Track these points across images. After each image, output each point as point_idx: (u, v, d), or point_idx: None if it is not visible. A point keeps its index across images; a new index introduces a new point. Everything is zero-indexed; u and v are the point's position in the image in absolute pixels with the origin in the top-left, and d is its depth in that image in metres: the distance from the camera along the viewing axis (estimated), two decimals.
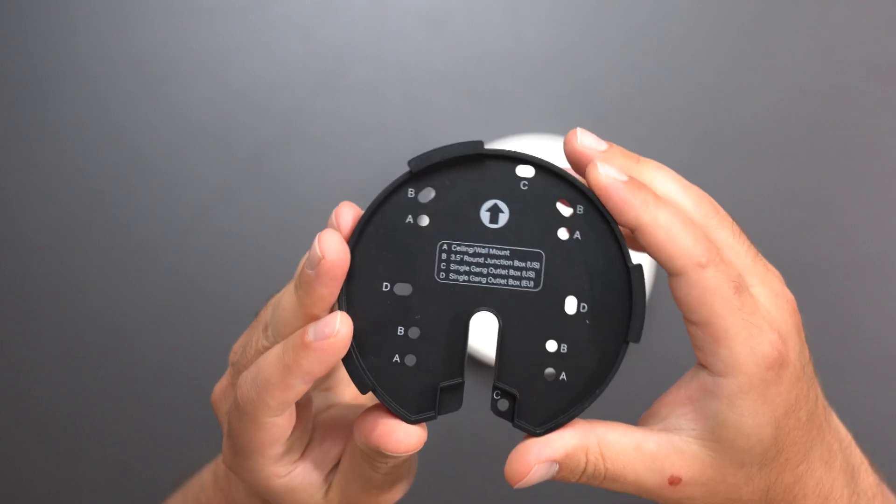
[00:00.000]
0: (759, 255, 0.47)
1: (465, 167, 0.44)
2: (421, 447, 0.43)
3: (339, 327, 0.41)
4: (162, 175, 0.89)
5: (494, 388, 0.44)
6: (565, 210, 0.44)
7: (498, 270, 0.44)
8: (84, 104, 0.90)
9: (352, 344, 0.43)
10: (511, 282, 0.44)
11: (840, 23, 0.88)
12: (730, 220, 0.48)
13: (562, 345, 0.44)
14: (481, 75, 0.88)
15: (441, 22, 0.89)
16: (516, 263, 0.44)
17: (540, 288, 0.44)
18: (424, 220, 0.44)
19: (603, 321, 0.44)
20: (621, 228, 0.43)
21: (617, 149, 0.44)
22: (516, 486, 0.44)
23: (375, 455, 0.44)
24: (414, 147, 0.88)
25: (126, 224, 0.89)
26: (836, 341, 0.86)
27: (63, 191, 0.89)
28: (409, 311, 0.44)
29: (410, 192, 0.44)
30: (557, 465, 0.44)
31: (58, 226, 0.89)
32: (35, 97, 0.90)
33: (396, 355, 0.44)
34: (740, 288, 0.43)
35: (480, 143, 0.43)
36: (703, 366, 0.44)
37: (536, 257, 0.44)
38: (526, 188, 0.44)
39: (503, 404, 0.44)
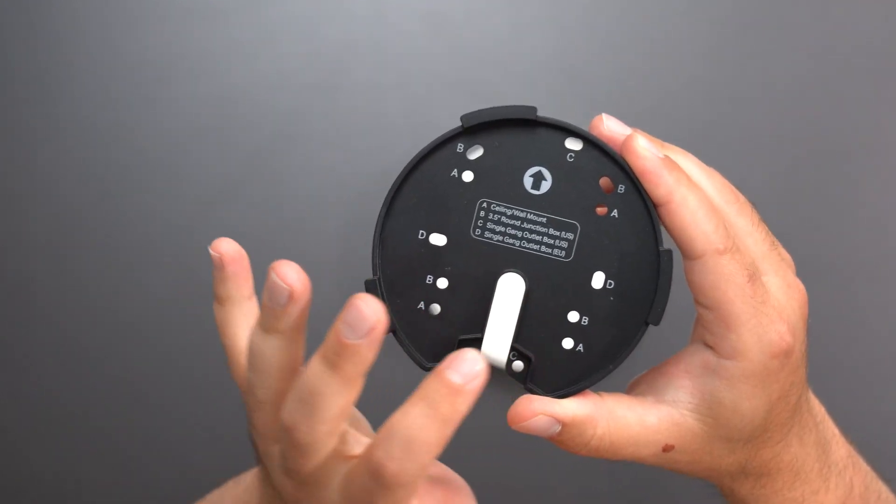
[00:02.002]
0: (777, 243, 0.48)
1: (516, 130, 0.46)
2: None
3: (377, 319, 0.38)
4: (162, 175, 0.89)
5: (512, 348, 0.45)
6: (608, 187, 0.45)
7: (532, 236, 0.45)
8: (84, 104, 0.90)
9: (381, 283, 0.44)
10: (543, 248, 0.45)
11: (840, 23, 0.88)
12: (749, 207, 0.49)
13: (583, 317, 0.45)
14: (481, 75, 0.88)
15: (441, 22, 0.89)
16: (551, 231, 0.45)
17: (571, 259, 0.45)
18: (469, 176, 0.45)
19: (627, 300, 0.45)
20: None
21: (640, 134, 0.45)
22: (514, 427, 0.45)
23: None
24: (414, 147, 0.88)
25: (127, 223, 0.89)
26: (836, 341, 0.86)
27: (64, 190, 0.89)
28: (440, 262, 0.45)
29: (459, 147, 0.45)
30: (559, 427, 0.45)
31: (59, 224, 0.89)
32: (36, 97, 0.90)
33: (422, 302, 0.45)
34: (753, 277, 0.44)
35: (534, 109, 0.46)
36: (707, 345, 0.45)
37: (572, 228, 0.45)
38: (572, 160, 0.45)
39: (518, 365, 0.45)
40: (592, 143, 0.45)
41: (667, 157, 0.44)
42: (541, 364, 0.45)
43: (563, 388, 0.45)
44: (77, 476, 0.88)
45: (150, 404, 0.88)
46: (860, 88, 0.87)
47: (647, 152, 0.44)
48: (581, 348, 0.45)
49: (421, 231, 0.45)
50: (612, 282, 0.45)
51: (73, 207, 0.89)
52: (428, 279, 0.45)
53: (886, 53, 0.88)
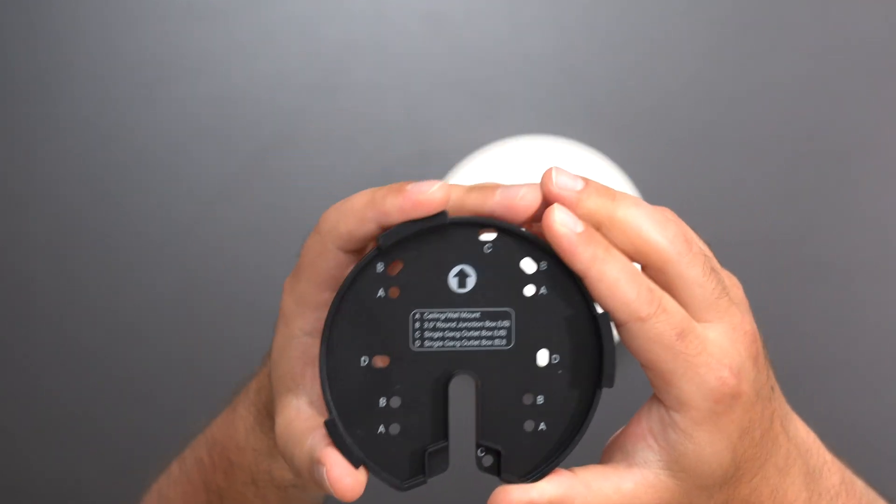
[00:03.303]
0: (726, 289, 0.49)
1: (431, 237, 0.45)
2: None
3: (437, 190, 0.44)
4: (163, 175, 0.89)
5: (478, 445, 0.45)
6: (530, 267, 0.45)
7: (471, 333, 0.45)
8: (84, 104, 0.90)
9: (338, 419, 0.44)
10: (484, 342, 0.45)
11: (840, 23, 0.88)
12: (702, 257, 0.49)
13: (538, 396, 0.45)
14: (481, 75, 0.88)
15: (441, 22, 0.89)
16: (487, 324, 0.45)
17: (512, 345, 0.45)
18: (396, 292, 0.45)
19: (576, 369, 0.45)
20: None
21: (593, 186, 0.46)
22: None
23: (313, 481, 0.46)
24: (414, 147, 0.88)
25: (127, 223, 0.89)
26: (836, 341, 0.86)
27: (64, 190, 0.89)
28: (389, 382, 0.45)
29: (380, 267, 0.45)
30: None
31: (59, 224, 0.89)
32: (36, 97, 0.90)
33: (381, 426, 0.45)
34: (683, 333, 0.45)
35: (445, 214, 0.44)
36: (659, 400, 0.46)
37: (506, 316, 0.45)
38: (490, 251, 0.45)
39: (488, 460, 0.46)
40: (505, 230, 0.45)
41: (586, 229, 0.44)
42: (510, 453, 0.45)
43: (537, 468, 0.45)
44: (77, 476, 0.88)
45: (150, 404, 0.88)
46: (860, 88, 0.87)
47: (563, 228, 0.44)
48: (543, 426, 0.45)
49: (363, 357, 0.45)
50: (557, 356, 0.45)
51: (72, 207, 0.89)
52: (381, 402, 0.45)
53: (886, 53, 0.87)
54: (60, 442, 0.88)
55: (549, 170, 0.46)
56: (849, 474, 0.55)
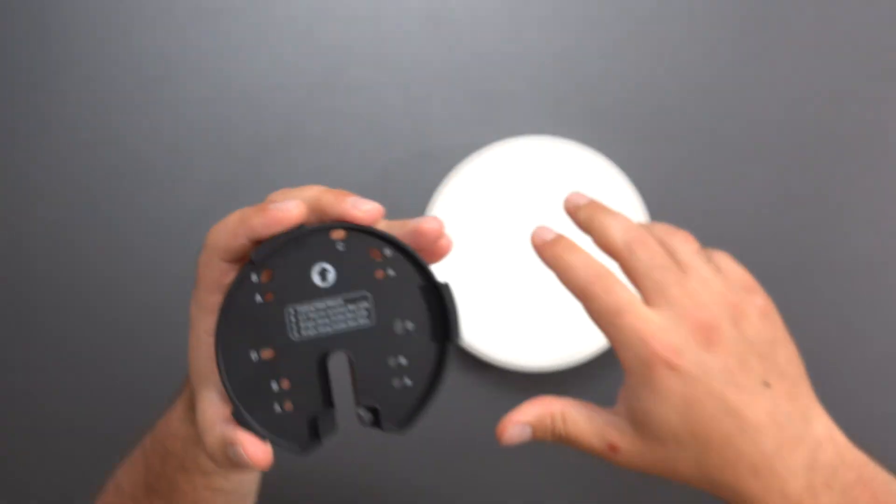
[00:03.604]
0: (681, 285, 0.58)
1: (293, 246, 0.54)
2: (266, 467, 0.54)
3: (293, 207, 0.54)
4: (162, 175, 0.89)
5: (358, 406, 0.54)
6: (377, 256, 0.54)
7: (338, 317, 0.54)
8: (84, 104, 0.90)
9: (240, 406, 0.53)
10: (350, 323, 0.54)
11: (840, 23, 0.88)
12: (658, 255, 0.59)
13: (400, 358, 0.54)
14: (481, 75, 0.88)
15: (441, 22, 0.89)
16: (350, 308, 0.54)
17: (373, 320, 0.54)
18: (270, 296, 0.53)
19: (427, 332, 0.55)
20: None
21: (593, 203, 0.60)
22: (502, 444, 0.58)
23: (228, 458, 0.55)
24: (414, 147, 0.89)
25: (126, 223, 0.89)
26: (836, 341, 0.86)
27: (64, 190, 0.89)
28: (277, 369, 0.53)
29: (254, 278, 0.53)
30: (530, 428, 0.58)
31: (60, 225, 0.89)
32: (36, 98, 0.90)
33: (276, 405, 0.53)
34: (621, 311, 0.57)
35: (303, 226, 0.54)
36: None
37: (364, 298, 0.54)
38: (342, 248, 0.54)
39: (369, 417, 0.54)
40: (350, 228, 0.54)
41: (553, 238, 0.59)
42: (385, 408, 0.54)
43: (410, 417, 0.55)
44: (78, 475, 0.88)
45: (147, 407, 0.88)
46: (860, 88, 0.87)
47: (535, 240, 0.59)
48: (409, 382, 0.55)
49: (252, 352, 0.53)
50: (411, 323, 0.54)
51: (72, 207, 0.89)
52: (273, 386, 0.53)
53: (887, 53, 0.88)
54: (60, 442, 0.88)
55: (571, 195, 0.60)
56: (870, 469, 0.62)
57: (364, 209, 0.54)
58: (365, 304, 0.54)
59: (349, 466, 0.87)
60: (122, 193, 0.89)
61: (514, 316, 0.84)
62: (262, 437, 0.53)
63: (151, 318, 0.88)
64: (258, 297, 0.54)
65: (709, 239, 0.86)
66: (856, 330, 0.85)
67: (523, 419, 0.58)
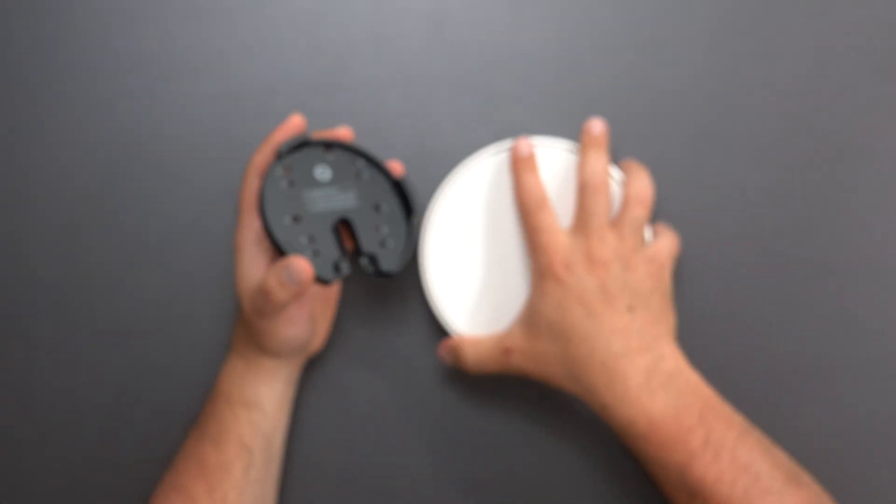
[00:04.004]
0: (607, 229, 0.78)
1: (300, 154, 0.80)
2: (308, 284, 0.75)
3: (297, 117, 0.82)
4: (162, 175, 0.89)
5: (361, 256, 0.80)
6: (358, 164, 0.82)
7: (337, 199, 0.80)
8: (83, 104, 0.90)
9: (288, 243, 0.77)
10: (345, 202, 0.81)
11: (840, 23, 0.88)
12: (602, 196, 0.79)
13: (383, 227, 0.82)
14: (481, 75, 0.88)
15: (441, 22, 0.89)
16: (343, 194, 0.81)
17: (361, 203, 0.81)
18: (291, 184, 0.79)
19: (397, 211, 0.83)
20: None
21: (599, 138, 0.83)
22: (442, 358, 0.83)
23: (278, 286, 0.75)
24: (414, 147, 0.89)
25: (126, 224, 0.89)
26: (836, 341, 0.86)
27: (64, 190, 0.89)
28: (303, 228, 0.78)
29: (279, 171, 0.79)
30: (451, 353, 0.81)
31: (60, 225, 0.89)
32: (36, 97, 0.90)
33: (309, 252, 0.78)
34: (539, 228, 0.78)
35: (307, 135, 0.81)
36: None
37: (352, 188, 0.81)
38: (332, 157, 0.82)
39: (368, 265, 0.80)
40: (337, 145, 0.82)
41: (528, 156, 0.82)
42: (380, 258, 0.80)
43: (398, 263, 0.81)
44: (77, 476, 0.88)
45: (148, 406, 0.88)
46: (860, 88, 0.87)
47: (517, 152, 0.83)
48: (392, 242, 0.81)
49: (286, 217, 0.78)
50: (386, 205, 0.82)
51: (72, 207, 0.89)
52: (302, 240, 0.78)
53: (887, 53, 0.88)
54: (59, 443, 0.88)
55: (592, 122, 0.82)
56: (707, 391, 0.76)
57: (344, 132, 0.81)
58: (353, 192, 0.81)
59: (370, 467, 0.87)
60: (122, 193, 0.89)
61: (514, 313, 0.84)
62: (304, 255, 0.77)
63: (150, 318, 0.88)
64: (283, 184, 0.78)
65: (709, 238, 0.86)
66: (856, 330, 0.85)
67: (451, 343, 0.81)
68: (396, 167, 0.83)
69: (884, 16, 0.88)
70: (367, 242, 0.80)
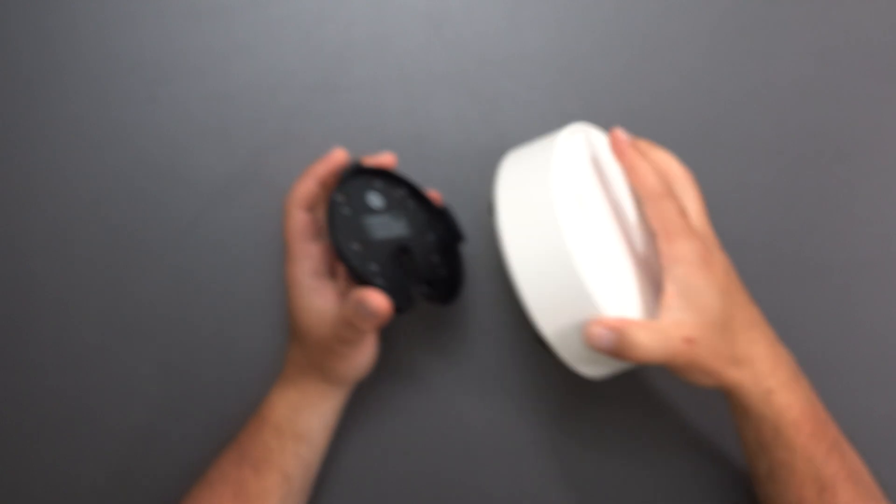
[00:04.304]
0: (705, 215, 0.76)
1: (351, 183, 0.78)
2: (385, 319, 0.73)
3: (339, 151, 0.80)
4: (162, 175, 0.89)
5: (420, 283, 0.79)
6: (404, 193, 0.81)
7: (393, 226, 0.79)
8: (83, 104, 0.90)
9: (367, 272, 0.75)
10: (400, 230, 0.79)
11: (840, 23, 0.88)
12: (698, 190, 0.77)
13: (433, 255, 0.80)
14: (481, 75, 0.88)
15: (441, 22, 0.89)
16: (397, 221, 0.79)
17: (412, 230, 0.80)
18: (350, 211, 0.77)
19: (443, 240, 0.81)
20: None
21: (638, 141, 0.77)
22: (591, 344, 0.69)
23: (357, 317, 0.74)
24: (414, 147, 0.89)
25: (127, 223, 0.89)
26: (836, 341, 0.86)
27: (64, 190, 0.89)
28: (371, 255, 0.76)
29: (339, 198, 0.77)
30: (615, 335, 0.69)
31: (60, 225, 0.89)
32: (36, 97, 0.90)
33: (381, 280, 0.76)
34: (682, 212, 0.71)
35: (357, 163, 0.79)
36: (665, 275, 0.71)
37: (403, 216, 0.80)
38: (380, 184, 0.81)
39: (429, 292, 0.79)
40: (382, 174, 0.81)
41: (632, 143, 0.75)
42: (434, 287, 0.80)
43: (450, 291, 0.81)
44: (76, 477, 0.88)
45: (148, 406, 0.88)
46: (860, 88, 0.87)
47: (621, 139, 0.74)
48: (444, 271, 0.81)
49: (354, 245, 0.76)
50: (433, 234, 0.81)
51: (72, 207, 0.89)
52: (372, 267, 0.76)
53: (887, 53, 0.88)
54: (58, 444, 0.88)
55: (617, 133, 0.74)
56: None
57: (388, 158, 0.80)
58: (405, 220, 0.80)
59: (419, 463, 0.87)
60: (121, 193, 0.89)
61: (643, 299, 0.77)
62: (382, 289, 0.75)
63: (150, 317, 0.88)
64: (346, 210, 0.77)
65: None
66: (856, 330, 0.85)
67: (612, 323, 0.69)
68: (436, 196, 0.82)
69: (884, 16, 0.88)
70: (424, 270, 0.80)
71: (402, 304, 0.75)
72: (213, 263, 0.88)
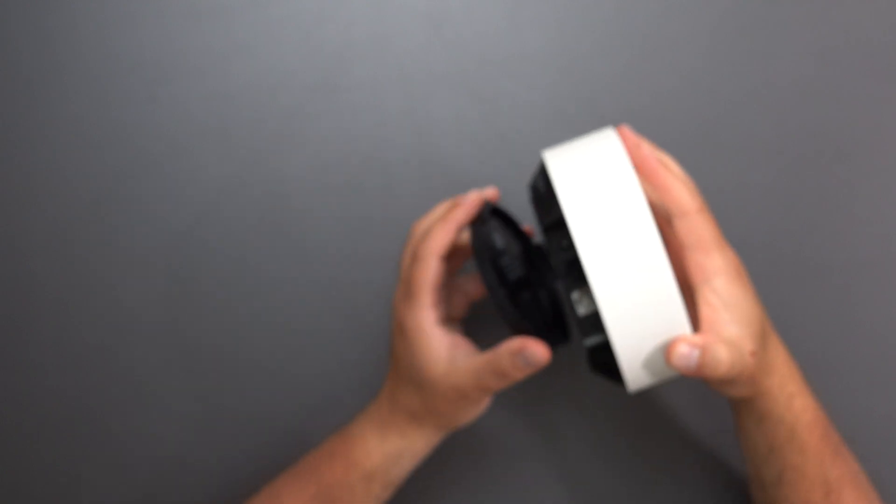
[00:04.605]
0: (723, 241, 0.72)
1: (482, 225, 0.74)
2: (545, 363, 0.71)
3: (473, 196, 0.75)
4: (162, 175, 0.89)
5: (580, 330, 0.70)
6: (511, 230, 0.78)
7: (517, 267, 0.74)
8: (83, 104, 0.90)
9: (527, 322, 0.72)
10: (522, 270, 0.74)
11: (840, 23, 0.88)
12: (710, 215, 0.71)
13: (542, 292, 0.77)
14: (481, 75, 0.89)
15: (441, 22, 0.89)
16: (517, 262, 0.75)
17: (528, 270, 0.76)
18: (491, 255, 0.72)
19: (546, 274, 0.75)
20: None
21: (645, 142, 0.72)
22: (671, 362, 0.67)
23: (517, 363, 0.71)
24: (414, 147, 0.89)
25: (127, 223, 0.89)
26: (836, 341, 0.86)
27: (64, 190, 0.89)
28: (513, 299, 0.72)
29: (495, 243, 0.73)
30: (699, 352, 0.67)
31: (60, 225, 0.89)
32: (36, 97, 0.90)
33: (528, 326, 0.71)
34: (716, 225, 0.69)
35: (487, 204, 0.75)
36: (700, 282, 0.69)
37: (518, 256, 0.76)
38: (496, 223, 0.76)
39: (560, 335, 0.76)
40: (496, 212, 0.78)
41: (661, 162, 0.71)
42: (557, 323, 0.78)
43: (564, 327, 0.78)
44: (76, 478, 0.88)
45: (148, 406, 0.88)
46: (860, 88, 0.87)
47: (651, 159, 0.70)
48: (551, 303, 0.79)
49: (502, 290, 0.71)
50: (535, 272, 0.76)
51: (72, 207, 0.89)
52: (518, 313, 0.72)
53: (887, 53, 0.88)
54: (58, 445, 0.88)
55: (626, 135, 0.70)
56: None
57: (493, 192, 0.78)
58: (520, 259, 0.76)
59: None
60: (121, 192, 0.89)
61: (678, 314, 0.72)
62: (540, 336, 0.71)
63: (150, 318, 0.88)
64: (487, 256, 0.72)
65: None
66: (856, 330, 0.86)
67: (694, 340, 0.67)
68: (529, 231, 0.80)
69: (884, 16, 0.88)
70: (545, 308, 0.77)
71: (555, 344, 0.73)
72: (213, 263, 0.88)
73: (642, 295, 0.65)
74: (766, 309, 0.85)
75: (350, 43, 0.89)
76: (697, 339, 0.66)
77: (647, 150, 0.69)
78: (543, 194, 0.70)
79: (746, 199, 0.87)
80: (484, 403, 0.75)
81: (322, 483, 0.76)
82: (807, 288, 0.86)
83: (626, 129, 0.70)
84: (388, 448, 0.76)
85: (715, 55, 0.88)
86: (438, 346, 0.73)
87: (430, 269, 0.73)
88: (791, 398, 0.72)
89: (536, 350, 0.69)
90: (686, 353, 0.66)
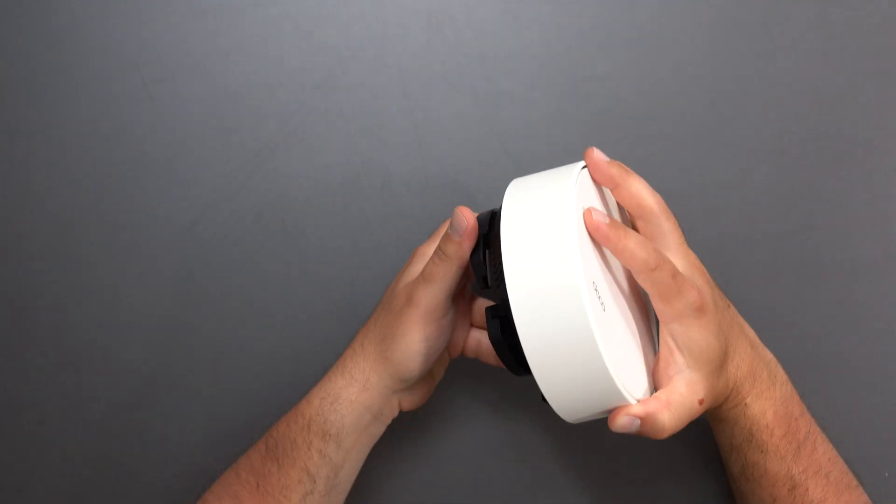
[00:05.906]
0: (683, 240, 0.74)
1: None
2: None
3: (467, 222, 0.73)
4: (161, 175, 0.89)
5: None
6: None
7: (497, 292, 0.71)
8: (83, 104, 0.90)
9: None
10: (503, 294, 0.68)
11: (840, 23, 0.88)
12: (672, 215, 0.74)
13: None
14: (482, 75, 0.88)
15: (441, 22, 0.89)
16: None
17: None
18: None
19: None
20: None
21: (616, 164, 0.73)
22: (613, 429, 0.69)
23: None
24: (413, 147, 0.89)
25: (127, 223, 0.89)
26: (836, 341, 0.86)
27: (64, 190, 0.89)
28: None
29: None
30: (639, 422, 0.69)
31: (59, 225, 0.89)
32: (36, 97, 0.90)
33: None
34: (675, 273, 0.70)
35: (490, 212, 0.73)
36: (664, 322, 0.70)
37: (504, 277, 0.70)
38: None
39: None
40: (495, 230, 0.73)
41: (610, 222, 0.69)
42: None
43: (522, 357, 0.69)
44: (76, 478, 0.88)
45: (148, 406, 0.88)
46: (860, 88, 0.87)
47: (596, 222, 0.69)
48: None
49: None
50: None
51: (72, 207, 0.89)
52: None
53: (886, 53, 0.88)
54: (58, 446, 0.88)
55: (590, 153, 0.72)
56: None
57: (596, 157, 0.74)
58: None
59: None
60: (120, 193, 0.89)
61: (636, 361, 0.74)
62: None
63: (150, 318, 0.88)
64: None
65: (708, 238, 0.86)
66: (856, 330, 0.85)
67: (635, 412, 0.69)
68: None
69: (884, 16, 0.88)
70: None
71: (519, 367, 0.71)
72: (213, 262, 0.88)
73: (577, 371, 0.65)
74: (766, 308, 0.85)
75: (350, 43, 0.89)
76: (639, 409, 0.68)
77: (596, 214, 0.69)
78: (495, 232, 0.71)
79: (746, 199, 0.87)
80: (440, 341, 0.76)
81: (270, 440, 0.78)
82: (807, 288, 0.86)
83: (595, 157, 0.72)
84: (326, 388, 0.77)
85: (715, 54, 0.88)
86: (432, 317, 0.75)
87: (453, 267, 0.74)
88: (745, 407, 0.74)
89: (459, 215, 0.72)
90: (627, 423, 0.69)
